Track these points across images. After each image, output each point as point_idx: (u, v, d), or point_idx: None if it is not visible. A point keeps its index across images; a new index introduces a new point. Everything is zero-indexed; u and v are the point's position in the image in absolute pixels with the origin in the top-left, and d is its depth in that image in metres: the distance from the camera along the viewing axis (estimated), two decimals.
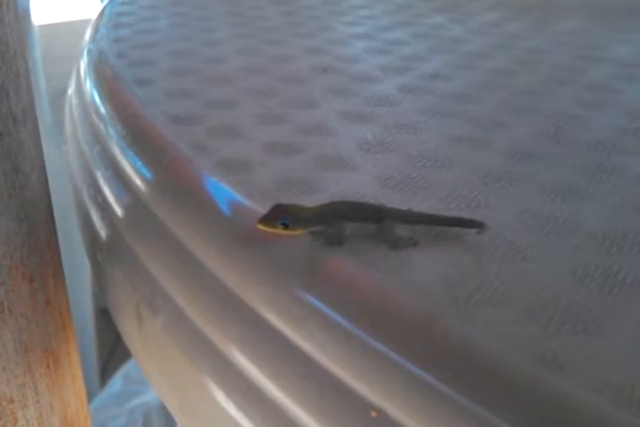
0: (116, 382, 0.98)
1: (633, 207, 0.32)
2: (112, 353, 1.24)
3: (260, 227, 0.28)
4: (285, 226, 0.28)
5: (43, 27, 1.24)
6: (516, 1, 0.74)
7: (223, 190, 0.33)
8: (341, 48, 0.56)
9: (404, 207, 0.31)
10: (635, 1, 0.74)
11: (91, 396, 0.92)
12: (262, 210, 0.29)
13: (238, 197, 0.33)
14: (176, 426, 0.85)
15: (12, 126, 0.33)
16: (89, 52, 0.54)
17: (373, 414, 0.23)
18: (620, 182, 0.35)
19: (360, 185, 0.34)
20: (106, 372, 1.16)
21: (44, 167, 0.37)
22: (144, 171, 0.37)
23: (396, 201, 0.32)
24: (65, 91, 0.57)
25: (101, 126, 0.43)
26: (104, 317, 1.11)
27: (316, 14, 0.67)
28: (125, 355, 0.98)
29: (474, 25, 0.64)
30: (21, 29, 0.34)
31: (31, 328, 0.36)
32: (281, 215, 0.28)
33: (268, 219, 0.28)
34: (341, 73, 0.50)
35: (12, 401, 0.36)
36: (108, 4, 0.68)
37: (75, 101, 0.51)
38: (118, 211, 0.37)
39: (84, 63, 0.53)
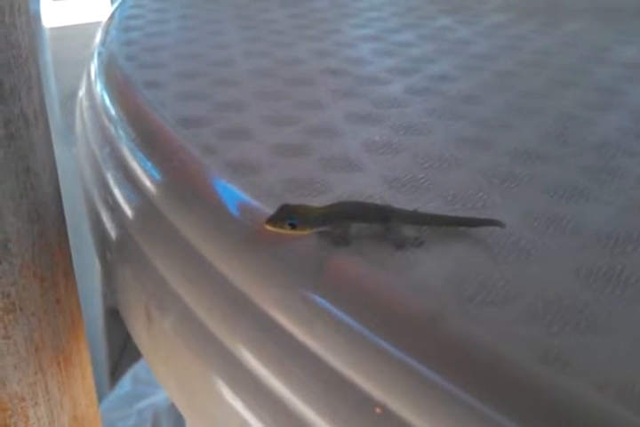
0: (126, 383, 0.98)
1: (637, 208, 0.33)
2: (122, 354, 1.24)
3: (268, 227, 0.29)
4: (292, 226, 0.28)
5: (54, 29, 1.24)
6: (522, 3, 0.74)
7: (231, 191, 0.34)
8: (349, 50, 0.57)
9: (410, 208, 0.31)
10: None
11: (100, 397, 0.93)
12: (270, 211, 0.30)
13: (246, 198, 0.33)
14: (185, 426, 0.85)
15: (24, 128, 0.33)
16: (99, 54, 0.55)
17: (378, 410, 0.24)
18: (624, 183, 0.35)
19: (367, 186, 0.34)
20: (116, 373, 1.16)
21: (55, 168, 0.38)
22: (153, 172, 0.37)
23: (402, 202, 0.32)
24: (76, 93, 0.57)
25: (111, 128, 0.43)
26: (114, 318, 1.11)
27: (324, 17, 0.67)
28: (135, 356, 0.99)
29: (480, 27, 0.65)
30: (33, 33, 0.35)
31: (42, 327, 0.36)
32: (288, 215, 0.29)
33: (275, 219, 0.29)
34: (349, 75, 0.51)
35: (23, 399, 0.36)
36: (118, 7, 0.68)
37: (85, 103, 0.52)
38: (128, 212, 0.38)
39: (94, 66, 0.53)
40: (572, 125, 0.42)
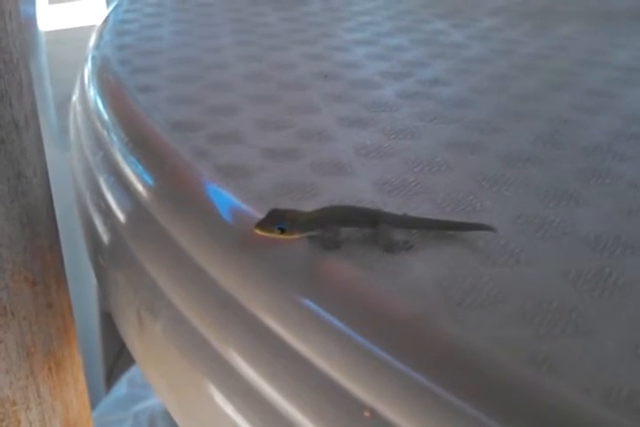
0: (122, 387, 0.98)
1: (627, 211, 0.33)
2: (118, 358, 1.24)
3: (258, 231, 0.29)
4: (282, 230, 0.29)
5: (50, 33, 1.25)
6: (515, 7, 0.74)
7: (223, 195, 0.34)
8: (342, 54, 0.57)
9: (401, 212, 0.31)
10: (634, 6, 0.75)
11: (96, 400, 0.93)
12: (261, 215, 0.30)
13: (238, 202, 0.33)
14: None
15: (15, 133, 0.33)
16: (93, 58, 0.55)
17: (367, 414, 0.24)
18: (614, 187, 0.35)
19: (357, 190, 0.34)
20: (112, 377, 1.16)
21: (46, 173, 0.38)
22: (146, 176, 0.37)
23: (392, 206, 0.32)
24: (71, 96, 0.57)
25: (104, 132, 0.43)
26: (109, 322, 1.11)
27: (317, 21, 0.67)
28: (131, 360, 0.98)
29: (474, 31, 0.65)
30: (24, 38, 0.35)
31: (34, 331, 0.36)
32: (278, 220, 0.29)
33: (265, 224, 0.29)
34: (342, 79, 0.51)
35: (14, 404, 0.36)
36: (112, 11, 0.68)
37: (79, 108, 0.52)
38: (120, 216, 0.38)
39: (87, 70, 0.54)
40: (564, 129, 0.42)
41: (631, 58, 0.57)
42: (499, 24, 0.67)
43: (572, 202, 0.33)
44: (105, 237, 0.39)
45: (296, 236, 0.29)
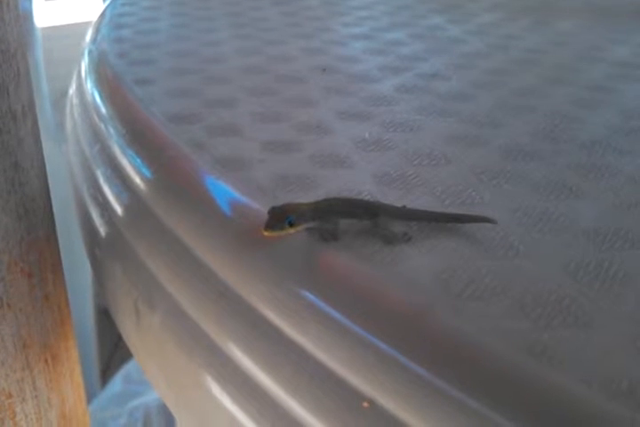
0: (117, 383, 0.98)
1: (625, 205, 0.33)
2: (113, 354, 1.24)
3: (268, 234, 0.28)
4: (291, 224, 0.28)
5: (46, 29, 1.24)
6: (514, 2, 0.74)
7: (221, 188, 0.34)
8: (340, 48, 0.57)
9: (399, 204, 0.31)
10: (633, 2, 0.75)
11: (91, 396, 0.92)
12: (260, 207, 0.30)
13: (236, 194, 0.33)
14: (176, 426, 0.85)
15: (12, 124, 0.33)
16: (90, 52, 0.55)
17: (365, 404, 0.24)
18: (613, 181, 0.35)
19: (356, 182, 0.34)
20: (107, 373, 1.16)
21: (43, 164, 0.38)
22: (143, 169, 0.37)
23: (391, 198, 0.32)
24: (67, 91, 0.57)
25: (101, 125, 0.43)
26: (105, 318, 1.11)
27: (315, 15, 0.67)
28: (126, 356, 0.98)
29: (472, 26, 0.65)
30: (22, 29, 0.34)
31: (30, 323, 0.36)
32: (284, 216, 0.28)
33: (274, 223, 0.28)
34: (340, 73, 0.50)
35: (10, 396, 0.36)
36: (109, 4, 0.68)
37: (75, 101, 0.52)
38: (117, 208, 0.38)
39: (84, 63, 0.53)
40: (563, 123, 0.42)
41: (630, 54, 0.57)
42: (496, 19, 0.67)
43: (572, 195, 0.33)
44: (102, 230, 0.39)
45: (301, 228, 0.29)
